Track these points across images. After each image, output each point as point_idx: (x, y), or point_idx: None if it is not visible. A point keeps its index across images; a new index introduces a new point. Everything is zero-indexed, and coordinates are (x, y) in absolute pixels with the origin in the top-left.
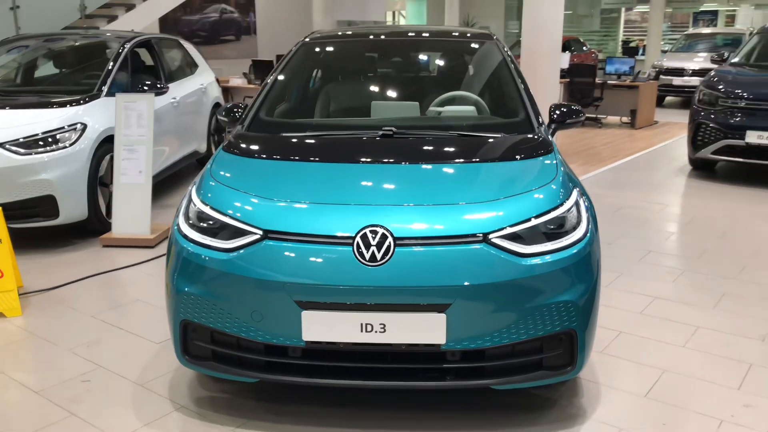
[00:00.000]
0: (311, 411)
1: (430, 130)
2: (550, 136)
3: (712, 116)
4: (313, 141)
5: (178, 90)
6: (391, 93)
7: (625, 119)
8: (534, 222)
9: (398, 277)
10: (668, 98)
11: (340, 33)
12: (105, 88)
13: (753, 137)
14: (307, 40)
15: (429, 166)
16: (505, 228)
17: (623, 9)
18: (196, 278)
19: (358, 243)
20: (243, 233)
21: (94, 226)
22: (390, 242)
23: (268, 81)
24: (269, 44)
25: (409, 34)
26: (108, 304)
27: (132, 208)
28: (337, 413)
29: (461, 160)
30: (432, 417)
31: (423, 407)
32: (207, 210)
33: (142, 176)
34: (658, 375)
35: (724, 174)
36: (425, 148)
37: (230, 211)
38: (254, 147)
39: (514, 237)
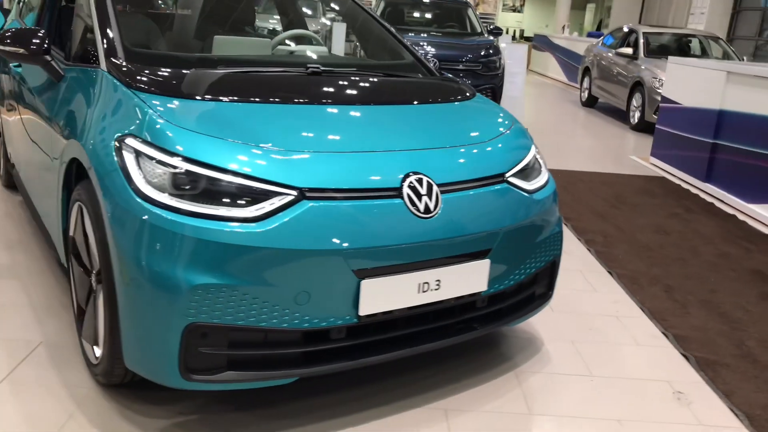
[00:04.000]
0: (304, 405)
1: (349, 68)
2: None
3: None
4: (260, 79)
5: None
6: (232, 27)
7: None
8: (526, 160)
9: (451, 227)
10: None
11: None
12: None
13: None
14: None
15: (406, 107)
16: (514, 167)
17: None
18: (214, 264)
19: (408, 194)
20: (266, 195)
21: None
22: (436, 190)
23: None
24: None
25: None
26: None
27: None
28: (335, 399)
29: (430, 101)
30: (396, 385)
31: (383, 378)
32: (195, 168)
33: None
34: None
35: None
36: (384, 88)
37: (236, 167)
38: (193, 86)
39: (518, 176)
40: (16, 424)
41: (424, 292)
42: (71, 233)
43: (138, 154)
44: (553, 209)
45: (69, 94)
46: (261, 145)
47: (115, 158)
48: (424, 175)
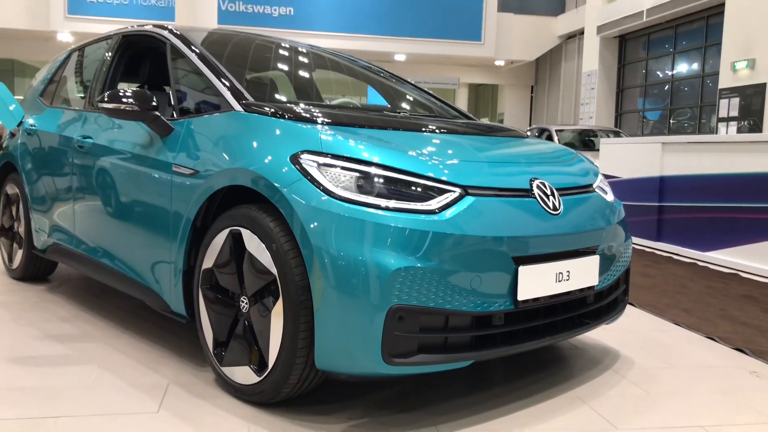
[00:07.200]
0: (460, 403)
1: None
2: None
3: None
4: (379, 115)
5: None
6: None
7: None
8: (601, 176)
9: (573, 223)
10: None
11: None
12: None
13: None
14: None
15: (500, 138)
16: (596, 180)
17: None
18: (412, 250)
19: (539, 194)
20: (440, 191)
21: None
22: (556, 192)
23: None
24: None
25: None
26: None
27: None
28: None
29: (509, 135)
30: (521, 385)
31: (503, 381)
32: (378, 171)
33: None
34: None
35: None
36: (475, 124)
37: (414, 169)
38: (338, 116)
39: (599, 188)
40: None
41: (559, 281)
42: (208, 266)
43: (319, 165)
44: (625, 219)
45: (194, 141)
46: (425, 152)
47: (298, 172)
48: (545, 180)
